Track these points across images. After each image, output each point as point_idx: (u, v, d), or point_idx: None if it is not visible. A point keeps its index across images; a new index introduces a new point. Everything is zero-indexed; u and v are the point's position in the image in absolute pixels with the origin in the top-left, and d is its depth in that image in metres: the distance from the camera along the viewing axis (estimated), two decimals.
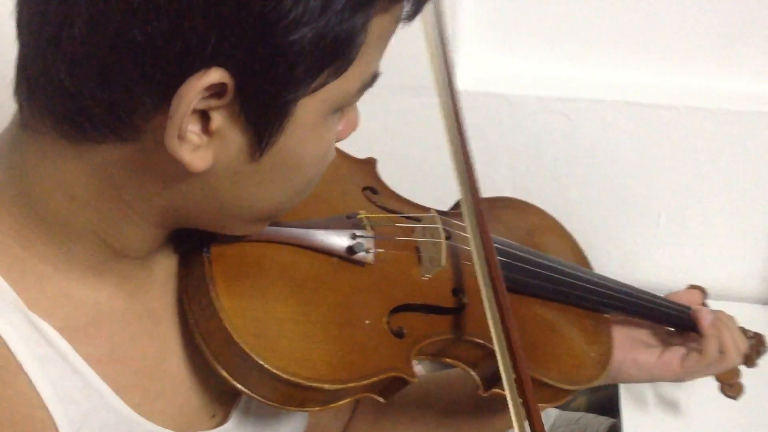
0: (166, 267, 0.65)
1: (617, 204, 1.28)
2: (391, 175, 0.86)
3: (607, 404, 1.22)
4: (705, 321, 0.88)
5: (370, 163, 0.86)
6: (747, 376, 0.95)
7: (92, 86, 0.50)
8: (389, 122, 1.23)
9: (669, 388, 1.12)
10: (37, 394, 0.54)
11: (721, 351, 0.88)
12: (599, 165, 1.25)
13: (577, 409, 1.25)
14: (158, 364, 0.64)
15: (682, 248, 1.29)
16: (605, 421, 1.18)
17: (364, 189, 0.82)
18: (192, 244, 0.64)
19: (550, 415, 1.22)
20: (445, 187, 0.88)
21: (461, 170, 0.73)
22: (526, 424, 0.62)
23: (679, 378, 0.90)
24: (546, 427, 1.21)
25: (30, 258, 0.56)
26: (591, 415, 1.21)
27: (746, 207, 1.25)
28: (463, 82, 1.17)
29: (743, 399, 0.96)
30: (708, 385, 0.96)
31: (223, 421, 0.68)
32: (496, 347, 0.65)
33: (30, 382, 0.54)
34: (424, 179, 1.10)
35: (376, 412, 0.91)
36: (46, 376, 0.54)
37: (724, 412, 1.08)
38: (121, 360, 0.60)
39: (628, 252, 1.30)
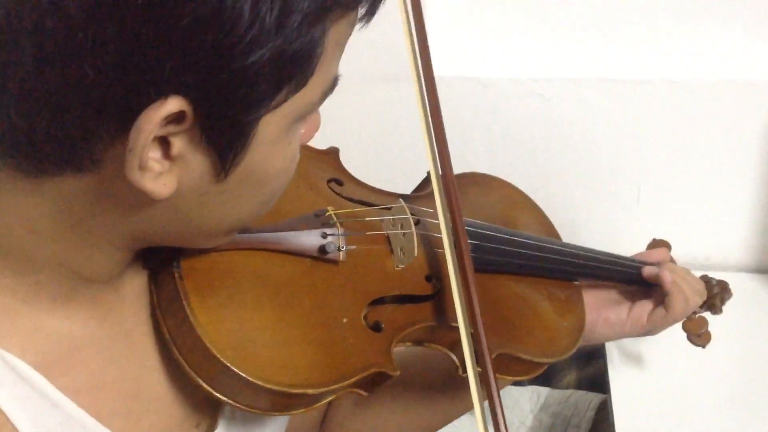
0: (135, 285, 0.64)
1: (597, 180, 1.28)
2: (352, 162, 0.86)
3: (596, 381, 1.23)
4: (667, 281, 0.90)
5: (332, 153, 0.85)
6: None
7: (44, 123, 0.48)
8: (350, 111, 1.23)
9: (657, 364, 1.13)
10: None
11: (685, 302, 0.91)
12: (577, 143, 1.25)
13: (567, 387, 1.25)
14: (138, 384, 0.63)
15: (664, 221, 1.29)
16: (595, 398, 1.19)
17: (329, 181, 0.81)
18: (160, 260, 0.63)
19: (540, 393, 1.23)
20: (410, 170, 0.90)
21: (434, 156, 0.72)
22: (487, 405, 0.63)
23: (648, 332, 0.93)
24: (537, 405, 1.22)
25: None
26: (581, 392, 1.22)
27: (726, 176, 1.25)
28: (435, 67, 1.17)
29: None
30: (699, 359, 0.99)
31: (210, 429, 0.68)
32: (461, 328, 0.65)
33: (12, 424, 0.53)
34: (387, 165, 1.10)
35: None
36: (27, 415, 0.54)
37: (713, 385, 1.09)
38: (101, 386, 0.60)
39: (609, 228, 1.30)
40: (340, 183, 0.82)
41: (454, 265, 0.68)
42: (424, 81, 0.72)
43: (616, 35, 1.22)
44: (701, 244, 1.30)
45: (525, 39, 1.24)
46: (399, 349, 0.71)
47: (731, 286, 1.02)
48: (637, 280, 0.93)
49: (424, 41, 0.72)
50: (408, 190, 0.89)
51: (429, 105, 0.72)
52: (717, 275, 1.04)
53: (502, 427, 0.61)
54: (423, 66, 0.73)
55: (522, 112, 1.23)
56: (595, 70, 1.21)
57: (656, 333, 0.94)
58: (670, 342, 1.03)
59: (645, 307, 0.91)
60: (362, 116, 1.22)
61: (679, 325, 0.97)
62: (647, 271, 0.92)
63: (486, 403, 0.64)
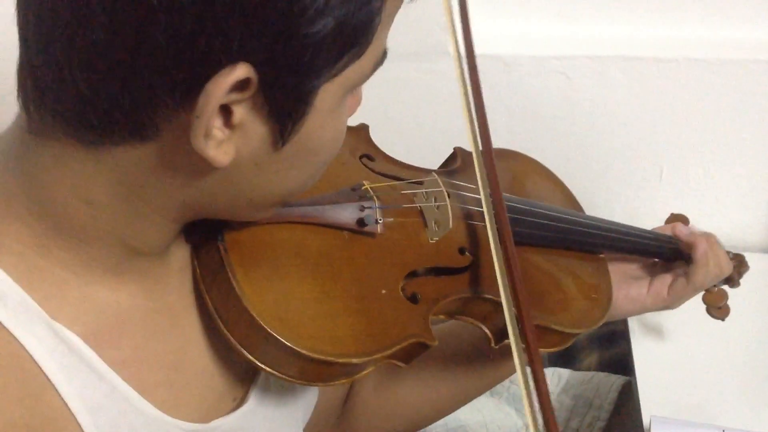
0: (179, 258, 0.65)
1: (618, 160, 1.27)
2: (381, 140, 0.86)
3: (618, 362, 1.22)
4: (700, 250, 0.91)
5: (363, 130, 0.86)
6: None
7: (111, 91, 0.49)
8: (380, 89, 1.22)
9: (682, 344, 1.12)
10: (66, 406, 0.54)
11: (706, 274, 0.91)
12: (599, 122, 1.24)
13: (589, 368, 1.25)
14: (181, 357, 0.63)
15: (686, 201, 1.28)
16: (617, 380, 1.18)
17: (362, 157, 0.82)
18: (203, 233, 0.64)
19: (562, 375, 1.22)
20: (434, 149, 0.90)
21: (474, 130, 0.73)
22: (528, 369, 0.63)
23: (668, 305, 0.93)
24: (558, 387, 1.21)
25: (49, 266, 0.55)
26: (603, 374, 1.21)
27: (748, 156, 1.25)
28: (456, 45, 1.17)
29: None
30: (725, 342, 0.99)
31: (243, 401, 0.68)
32: (503, 300, 0.66)
33: (59, 395, 0.53)
34: (414, 142, 1.10)
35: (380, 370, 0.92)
36: (73, 387, 0.54)
37: (738, 367, 1.08)
38: (145, 359, 0.60)
39: (631, 208, 1.29)
40: (371, 158, 0.83)
41: (494, 237, 0.69)
42: (466, 53, 0.73)
43: (639, 13, 1.22)
44: (724, 224, 1.28)
45: (547, 17, 1.23)
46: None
47: (755, 267, 1.01)
48: (660, 254, 0.94)
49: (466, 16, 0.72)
50: (433, 167, 0.89)
51: (470, 79, 0.74)
52: None
53: (544, 399, 0.60)
54: (464, 34, 0.74)
55: (543, 91, 1.22)
56: (617, 48, 1.20)
57: (677, 306, 0.94)
58: (694, 324, 1.02)
59: (665, 280, 0.92)
60: (386, 94, 1.21)
61: (701, 302, 0.97)
62: (695, 237, 0.92)
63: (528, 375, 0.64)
